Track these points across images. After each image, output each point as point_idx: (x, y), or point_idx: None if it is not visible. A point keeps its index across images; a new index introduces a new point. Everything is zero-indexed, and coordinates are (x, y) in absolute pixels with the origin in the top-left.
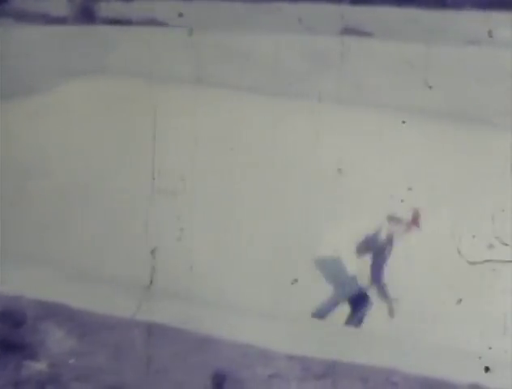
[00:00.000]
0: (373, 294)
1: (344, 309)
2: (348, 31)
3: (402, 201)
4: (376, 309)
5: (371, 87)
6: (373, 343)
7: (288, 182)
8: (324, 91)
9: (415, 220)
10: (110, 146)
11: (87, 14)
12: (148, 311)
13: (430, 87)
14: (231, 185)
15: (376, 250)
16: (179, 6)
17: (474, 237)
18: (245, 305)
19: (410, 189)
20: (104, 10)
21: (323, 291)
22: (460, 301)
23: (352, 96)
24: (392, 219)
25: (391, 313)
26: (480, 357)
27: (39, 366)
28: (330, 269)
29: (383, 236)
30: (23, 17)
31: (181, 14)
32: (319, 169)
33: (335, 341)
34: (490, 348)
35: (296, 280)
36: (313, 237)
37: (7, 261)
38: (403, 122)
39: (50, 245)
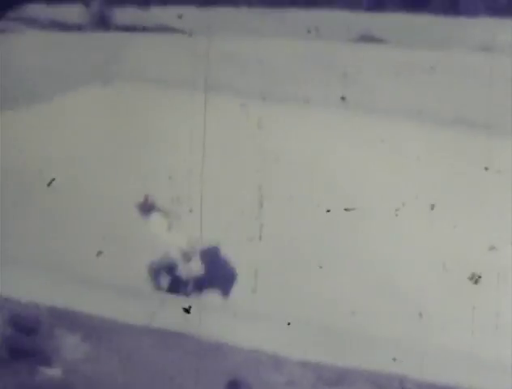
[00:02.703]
0: None
1: None
2: (363, 38)
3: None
4: None
5: (383, 94)
6: None
7: None
8: (335, 97)
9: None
10: (114, 154)
11: (102, 22)
12: (162, 318)
13: (439, 93)
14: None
15: None
16: (194, 13)
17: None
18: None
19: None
20: (119, 17)
21: None
22: None
23: (365, 103)
24: None
25: None
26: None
27: (52, 372)
28: None
29: None
30: (36, 23)
31: (197, 21)
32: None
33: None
34: None
35: None
36: None
37: (15, 266)
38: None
39: (59, 251)
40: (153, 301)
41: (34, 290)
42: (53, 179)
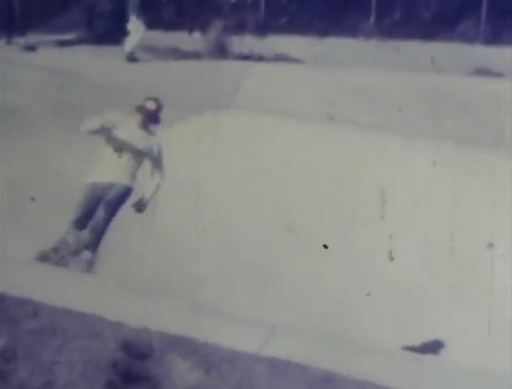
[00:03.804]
0: None
1: None
2: (479, 71)
3: None
4: None
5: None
6: None
7: None
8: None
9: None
10: (235, 180)
11: (220, 50)
12: (273, 347)
13: None
14: None
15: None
16: (311, 43)
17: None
18: (368, 342)
19: None
20: (236, 45)
21: None
22: None
23: (477, 137)
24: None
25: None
26: None
27: None
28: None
29: None
30: (154, 50)
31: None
32: None
33: None
34: None
35: None
36: None
37: (130, 294)
38: None
39: (172, 278)
40: (264, 330)
41: (147, 316)
42: None
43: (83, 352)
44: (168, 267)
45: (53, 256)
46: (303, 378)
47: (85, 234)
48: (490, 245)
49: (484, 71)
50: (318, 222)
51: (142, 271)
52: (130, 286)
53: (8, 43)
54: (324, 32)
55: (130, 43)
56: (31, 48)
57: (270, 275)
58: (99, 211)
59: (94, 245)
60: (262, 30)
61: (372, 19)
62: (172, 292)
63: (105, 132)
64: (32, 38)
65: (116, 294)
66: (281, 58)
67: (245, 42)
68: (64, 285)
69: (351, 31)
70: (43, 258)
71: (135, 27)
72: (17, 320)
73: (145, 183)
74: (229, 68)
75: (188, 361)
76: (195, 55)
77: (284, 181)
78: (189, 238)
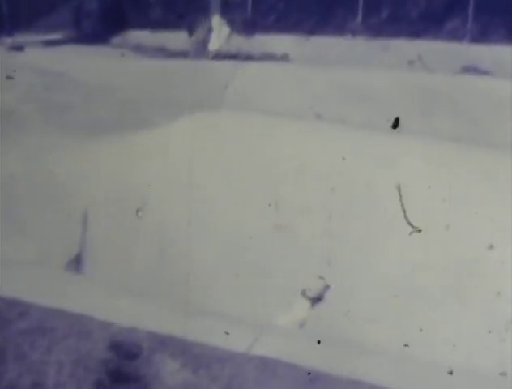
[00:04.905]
0: None
1: None
2: (466, 69)
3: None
4: None
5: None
6: None
7: None
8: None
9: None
10: (225, 180)
11: (206, 49)
12: (262, 346)
13: None
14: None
15: None
16: (298, 42)
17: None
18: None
19: None
20: (223, 44)
21: None
22: None
23: (468, 135)
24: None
25: None
26: None
27: None
28: None
29: None
30: (142, 50)
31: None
32: None
33: None
34: None
35: None
36: None
37: (119, 294)
38: None
39: (161, 277)
40: (254, 329)
41: (136, 315)
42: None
43: (72, 352)
44: (158, 266)
45: None
46: (293, 377)
47: None
48: (491, 247)
49: (471, 69)
50: (308, 221)
51: (132, 271)
52: (120, 285)
53: None
54: (311, 31)
55: (214, 43)
56: (18, 48)
57: (260, 274)
58: None
59: None
60: (250, 29)
61: (359, 17)
62: (162, 291)
63: None
64: (20, 38)
65: (105, 294)
66: (269, 57)
67: (233, 41)
68: (53, 285)
69: (338, 29)
70: None
71: (219, 26)
72: (6, 320)
73: None
74: (217, 67)
75: (177, 360)
76: (182, 55)
77: (274, 180)
78: (181, 238)
